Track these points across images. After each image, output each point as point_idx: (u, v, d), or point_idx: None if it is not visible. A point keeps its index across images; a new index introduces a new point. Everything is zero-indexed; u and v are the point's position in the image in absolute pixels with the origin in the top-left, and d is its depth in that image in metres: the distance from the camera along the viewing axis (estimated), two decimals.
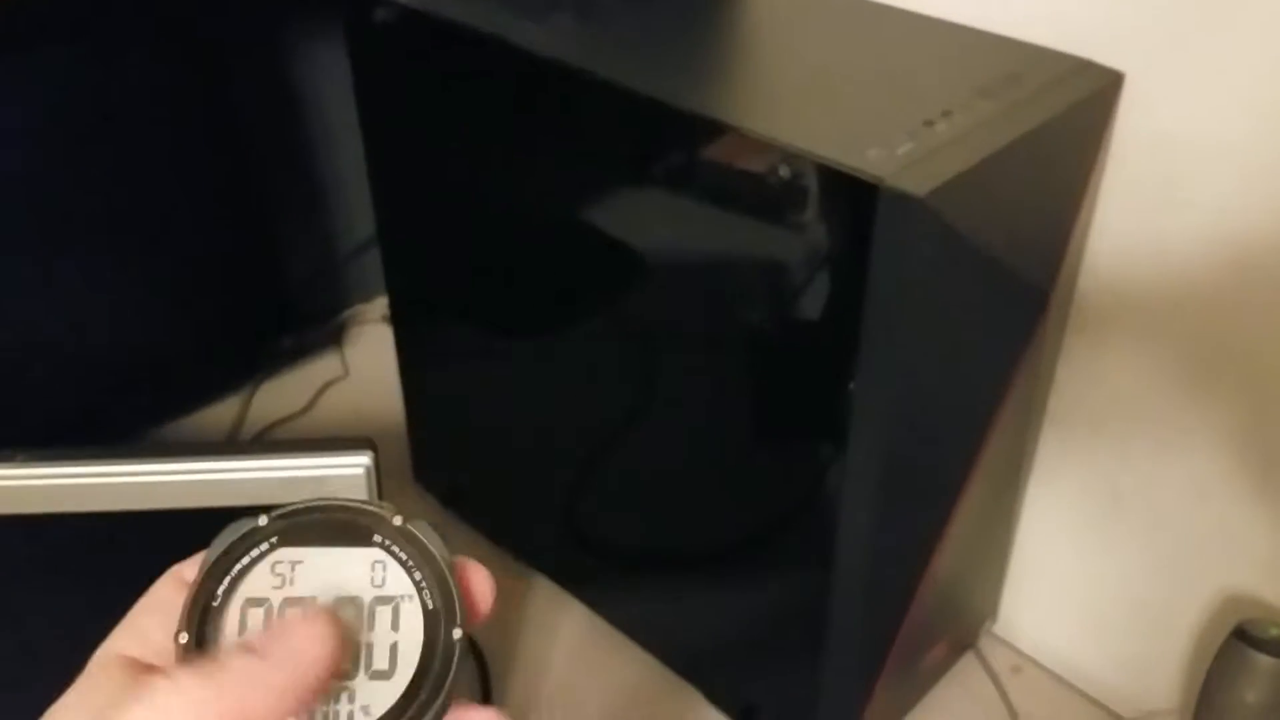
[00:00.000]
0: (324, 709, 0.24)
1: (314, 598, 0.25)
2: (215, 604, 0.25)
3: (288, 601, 0.25)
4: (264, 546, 0.25)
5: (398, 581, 0.25)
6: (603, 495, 0.71)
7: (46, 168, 0.76)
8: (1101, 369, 0.62)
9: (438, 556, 0.25)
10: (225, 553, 0.25)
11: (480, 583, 0.26)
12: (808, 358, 0.52)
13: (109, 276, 0.82)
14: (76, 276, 0.80)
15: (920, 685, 0.69)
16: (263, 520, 0.25)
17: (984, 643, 0.73)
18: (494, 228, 0.67)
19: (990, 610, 0.73)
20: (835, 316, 0.49)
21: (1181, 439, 0.60)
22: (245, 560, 0.25)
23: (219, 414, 0.91)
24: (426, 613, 0.25)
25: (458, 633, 0.25)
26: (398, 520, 0.25)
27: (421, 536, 0.25)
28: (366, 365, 0.97)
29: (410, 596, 0.25)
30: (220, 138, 0.85)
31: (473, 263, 0.71)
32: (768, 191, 0.49)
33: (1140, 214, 0.57)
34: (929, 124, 0.47)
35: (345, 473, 0.43)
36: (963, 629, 0.71)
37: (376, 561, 0.25)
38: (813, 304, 0.50)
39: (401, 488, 0.84)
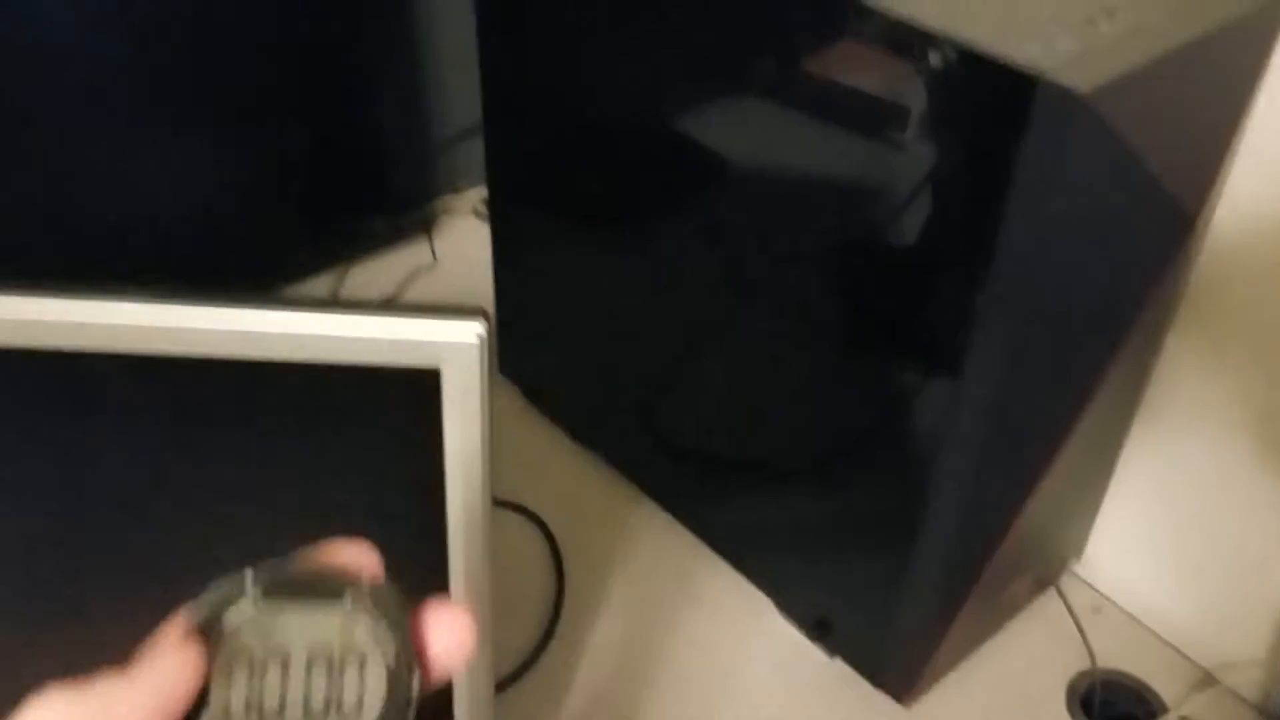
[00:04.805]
0: None
1: (289, 649, 0.28)
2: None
3: (268, 651, 0.28)
4: (248, 601, 0.28)
5: (365, 636, 0.28)
6: (687, 401, 0.70)
7: (147, 46, 0.75)
8: (1229, 301, 0.59)
9: (398, 616, 0.28)
10: (214, 606, 0.28)
11: (453, 631, 0.29)
12: (930, 267, 0.50)
13: (206, 151, 0.82)
14: (174, 151, 0.80)
15: (998, 618, 0.68)
16: (248, 578, 0.28)
17: (1065, 581, 0.72)
18: (598, 125, 0.66)
19: (1076, 549, 0.71)
20: (969, 223, 0.46)
21: None
22: (232, 614, 0.28)
23: (309, 293, 0.91)
24: (389, 667, 0.28)
25: (415, 684, 0.28)
26: (364, 584, 0.28)
27: (386, 597, 0.28)
28: (455, 256, 0.96)
29: (375, 649, 0.28)
30: (327, 20, 0.84)
31: (574, 159, 0.69)
32: (907, 82, 0.46)
33: None
34: (1091, 22, 0.44)
35: (459, 340, 0.42)
36: (1047, 565, 0.70)
37: (347, 617, 0.28)
38: (943, 208, 0.48)
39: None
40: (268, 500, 0.46)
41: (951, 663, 0.66)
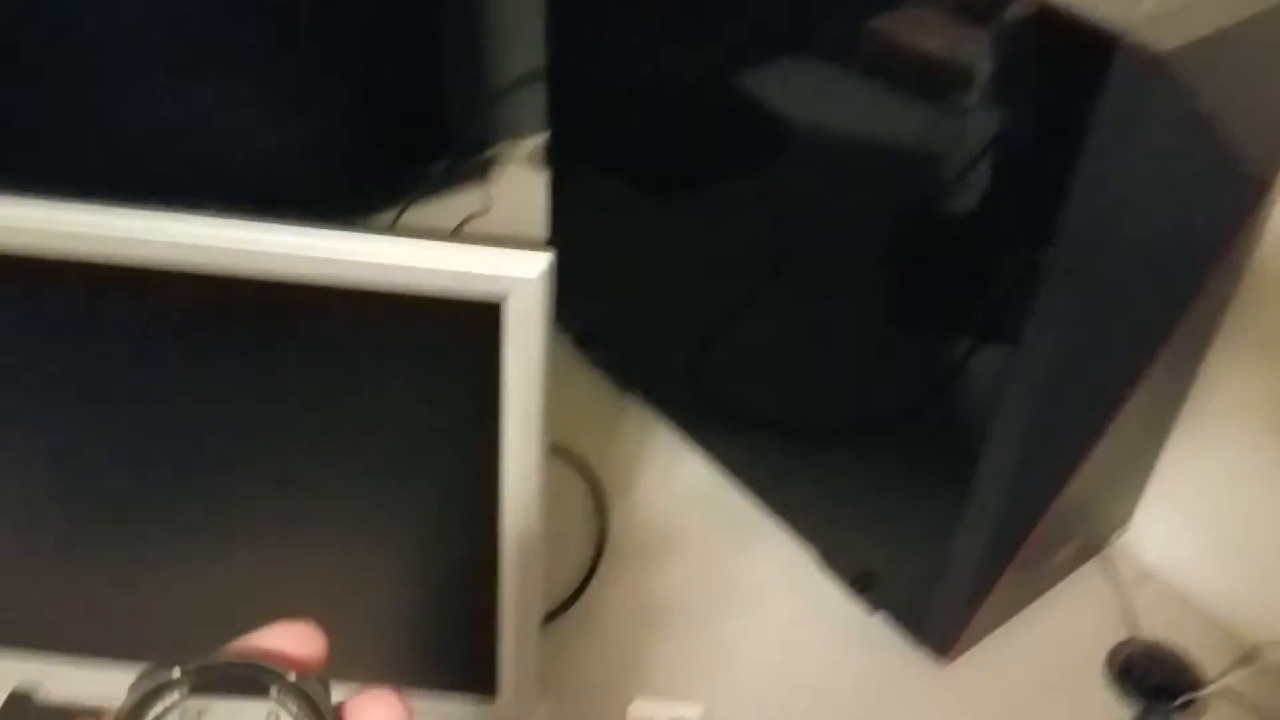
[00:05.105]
0: None
1: None
2: None
3: None
4: (176, 695, 0.28)
5: None
6: (737, 356, 0.70)
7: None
8: None
9: (323, 710, 0.28)
10: (142, 699, 0.28)
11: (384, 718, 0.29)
12: (994, 230, 0.50)
13: (268, 94, 0.83)
14: (236, 92, 0.81)
15: (1043, 583, 0.68)
16: (176, 673, 0.28)
17: (1111, 551, 0.72)
18: (661, 81, 0.66)
19: (1123, 520, 0.71)
20: (1037, 185, 0.46)
21: None
22: (159, 707, 0.28)
23: None
24: None
25: None
26: (292, 677, 0.28)
27: (310, 692, 0.28)
28: (509, 203, 0.97)
29: None
30: None
31: (635, 113, 0.69)
32: (974, 44, 0.46)
33: None
34: None
35: (524, 273, 0.43)
36: (1094, 534, 0.70)
37: (271, 712, 0.28)
38: (1010, 171, 0.48)
39: None
40: (326, 423, 0.47)
41: (993, 624, 0.66)
